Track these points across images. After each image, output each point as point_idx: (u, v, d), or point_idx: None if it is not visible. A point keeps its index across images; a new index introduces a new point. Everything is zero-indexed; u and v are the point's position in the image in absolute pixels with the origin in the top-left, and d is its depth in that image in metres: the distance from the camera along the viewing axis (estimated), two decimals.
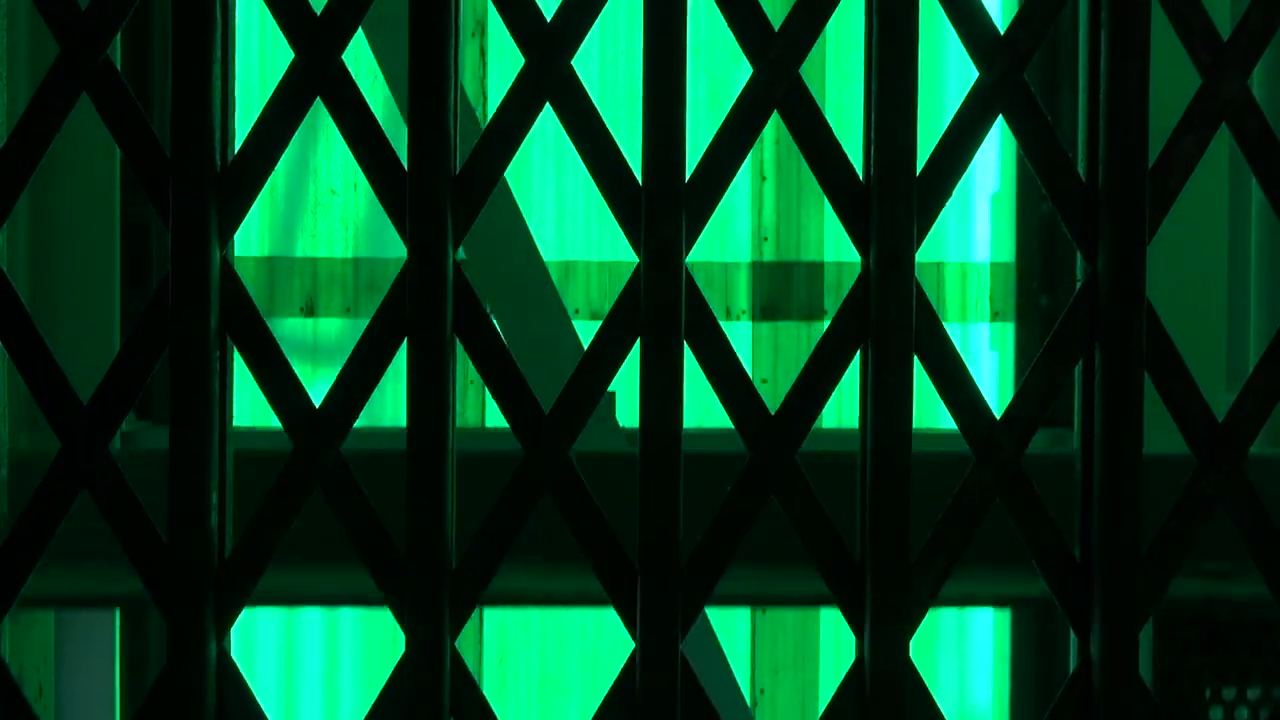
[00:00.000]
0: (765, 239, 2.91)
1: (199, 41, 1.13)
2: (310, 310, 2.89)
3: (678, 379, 1.15)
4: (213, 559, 1.14)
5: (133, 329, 1.14)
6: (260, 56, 2.69)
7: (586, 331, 1.52)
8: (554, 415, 1.16)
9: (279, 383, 1.15)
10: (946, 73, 2.78)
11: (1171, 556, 1.20)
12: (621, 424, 1.63)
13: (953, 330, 1.34)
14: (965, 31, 1.17)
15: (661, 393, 1.15)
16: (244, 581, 1.15)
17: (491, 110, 2.02)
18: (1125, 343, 1.17)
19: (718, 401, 1.17)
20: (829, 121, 1.17)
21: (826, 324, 1.20)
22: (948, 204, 1.19)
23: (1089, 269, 1.19)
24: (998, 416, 1.18)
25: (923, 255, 1.18)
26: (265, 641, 2.72)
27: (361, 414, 1.16)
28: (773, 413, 1.16)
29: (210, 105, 1.13)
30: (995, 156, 2.67)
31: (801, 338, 2.88)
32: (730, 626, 2.65)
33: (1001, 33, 1.17)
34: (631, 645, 1.16)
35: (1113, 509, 1.17)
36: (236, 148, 1.16)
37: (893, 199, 1.15)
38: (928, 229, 1.17)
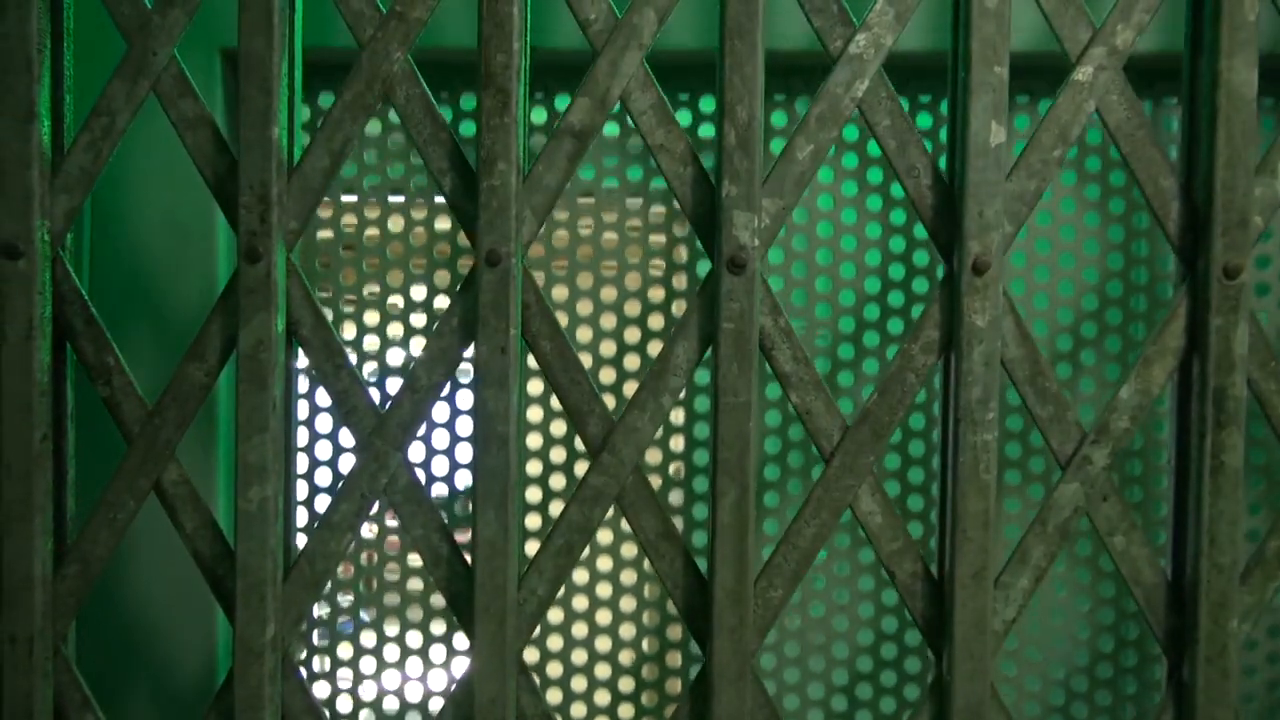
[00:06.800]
0: None
1: (262, 57, 1.11)
2: None
3: (751, 388, 1.11)
4: (277, 566, 1.12)
5: (199, 333, 1.13)
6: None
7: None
8: (623, 426, 1.12)
9: (345, 386, 1.13)
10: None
11: (1271, 577, 1.14)
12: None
13: None
14: (1058, 24, 1.11)
15: (735, 402, 1.11)
16: (308, 590, 1.14)
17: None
18: (1226, 353, 1.11)
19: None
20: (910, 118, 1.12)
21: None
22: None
23: (1188, 275, 1.12)
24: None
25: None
26: None
27: None
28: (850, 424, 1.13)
29: (276, 114, 1.11)
30: None
31: None
32: None
33: (1098, 26, 1.11)
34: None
35: (1210, 526, 1.12)
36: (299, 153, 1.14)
37: (980, 199, 1.10)
38: (1015, 232, 1.12)
